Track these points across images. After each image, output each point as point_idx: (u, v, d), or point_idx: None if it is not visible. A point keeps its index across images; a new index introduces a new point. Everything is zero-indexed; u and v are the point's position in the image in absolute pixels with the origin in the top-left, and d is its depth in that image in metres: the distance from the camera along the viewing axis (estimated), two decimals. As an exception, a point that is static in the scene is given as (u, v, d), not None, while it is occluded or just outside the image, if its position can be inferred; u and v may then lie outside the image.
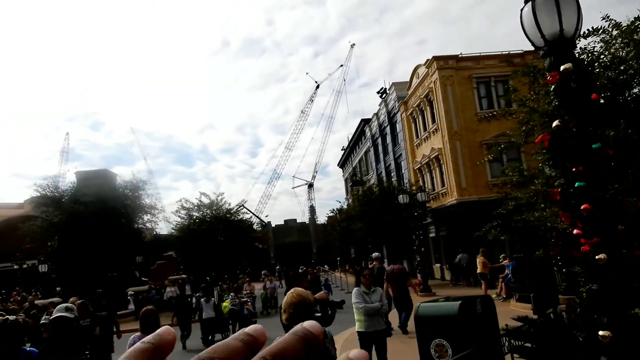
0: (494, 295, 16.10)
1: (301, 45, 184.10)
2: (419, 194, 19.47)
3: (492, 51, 26.23)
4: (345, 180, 54.37)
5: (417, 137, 27.25)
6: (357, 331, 5.68)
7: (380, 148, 36.07)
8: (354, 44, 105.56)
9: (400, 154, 30.83)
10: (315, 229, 65.40)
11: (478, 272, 16.03)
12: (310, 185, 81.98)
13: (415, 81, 26.61)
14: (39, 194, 23.62)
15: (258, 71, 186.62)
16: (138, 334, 4.61)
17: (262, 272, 27.14)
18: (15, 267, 37.15)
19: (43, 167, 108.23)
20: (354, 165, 47.55)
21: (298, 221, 72.90)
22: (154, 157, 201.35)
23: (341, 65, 78.23)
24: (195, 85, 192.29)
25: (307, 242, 66.41)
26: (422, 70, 25.23)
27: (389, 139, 33.36)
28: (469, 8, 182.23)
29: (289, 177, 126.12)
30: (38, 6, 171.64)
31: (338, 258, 52.88)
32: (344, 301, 4.88)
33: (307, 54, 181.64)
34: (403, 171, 30.58)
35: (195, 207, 24.81)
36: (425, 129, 25.77)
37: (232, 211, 25.29)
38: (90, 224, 21.85)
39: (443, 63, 22.87)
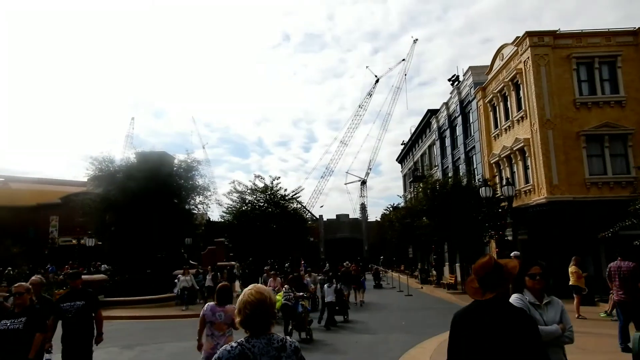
0: (602, 314, 13.19)
1: (360, 41, 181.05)
2: (505, 187, 16.60)
3: (597, 28, 22.73)
4: (404, 176, 51.38)
5: (496, 127, 24.12)
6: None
7: (447, 141, 33.01)
8: (416, 39, 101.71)
9: (473, 147, 27.72)
10: (368, 226, 62.82)
11: (570, 284, 13.14)
12: (364, 182, 79.88)
13: (498, 63, 23.49)
14: (94, 167, 23.09)
15: (316, 66, 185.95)
16: (213, 303, 5.28)
17: (265, 267, 21.58)
18: (74, 242, 38.15)
19: (109, 150, 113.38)
20: (415, 160, 44.58)
21: (350, 217, 70.48)
22: (211, 147, 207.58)
23: (402, 60, 75.25)
24: (255, 78, 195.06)
25: (358, 239, 64.03)
26: (508, 50, 22.11)
27: (459, 130, 30.28)
28: (541, 4, 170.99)
29: (341, 173, 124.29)
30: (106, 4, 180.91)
31: (381, 257, 49.99)
32: None
33: (366, 50, 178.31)
34: (475, 165, 27.47)
35: (249, 191, 23.41)
36: (507, 118, 22.65)
37: (287, 197, 23.62)
38: (142, 201, 20.99)
39: (537, 40, 19.68)
